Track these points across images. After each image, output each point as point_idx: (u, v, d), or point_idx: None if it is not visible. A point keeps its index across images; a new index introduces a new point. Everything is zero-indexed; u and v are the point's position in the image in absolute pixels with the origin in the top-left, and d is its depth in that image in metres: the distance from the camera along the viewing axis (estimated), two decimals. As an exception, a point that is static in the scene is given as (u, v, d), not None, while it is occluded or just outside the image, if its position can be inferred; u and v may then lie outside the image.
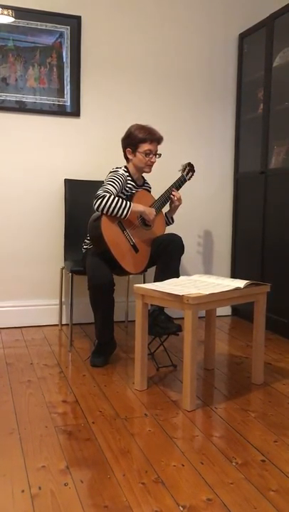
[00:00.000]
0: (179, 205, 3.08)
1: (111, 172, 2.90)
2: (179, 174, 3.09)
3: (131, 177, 2.94)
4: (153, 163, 2.93)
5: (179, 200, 3.04)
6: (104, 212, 2.67)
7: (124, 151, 2.95)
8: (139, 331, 2.40)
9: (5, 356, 2.88)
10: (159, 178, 3.31)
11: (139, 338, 2.40)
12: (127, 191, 2.90)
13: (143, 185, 3.06)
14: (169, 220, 3.15)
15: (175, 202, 3.04)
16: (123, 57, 3.59)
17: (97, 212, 2.72)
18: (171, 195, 3.01)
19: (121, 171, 2.88)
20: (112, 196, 2.68)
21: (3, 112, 3.35)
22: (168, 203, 3.05)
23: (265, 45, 3.49)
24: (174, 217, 3.20)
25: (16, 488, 1.59)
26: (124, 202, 2.71)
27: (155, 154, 2.93)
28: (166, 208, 3.09)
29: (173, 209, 3.10)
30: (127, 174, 2.92)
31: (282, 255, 3.33)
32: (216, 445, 1.90)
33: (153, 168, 3.00)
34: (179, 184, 3.05)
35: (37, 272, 3.53)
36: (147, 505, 1.52)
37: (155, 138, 2.90)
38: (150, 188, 3.12)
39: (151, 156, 2.90)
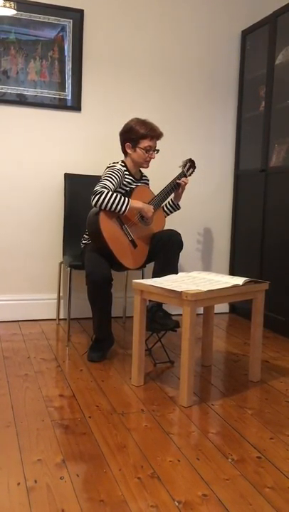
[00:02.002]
0: (183, 191, 3.07)
1: (108, 167, 2.88)
2: (180, 170, 3.09)
3: (129, 171, 2.93)
4: (152, 159, 2.93)
5: (184, 184, 3.04)
6: (102, 208, 2.66)
7: (123, 145, 2.94)
8: (136, 326, 2.39)
9: (2, 350, 2.88)
10: (159, 175, 3.31)
11: (136, 334, 2.40)
12: (125, 185, 2.89)
13: (141, 179, 3.05)
14: (176, 206, 3.13)
15: (183, 186, 3.03)
16: (125, 52, 3.58)
17: (95, 208, 2.71)
18: (181, 182, 3.00)
19: (118, 166, 2.87)
20: (110, 192, 2.67)
21: (4, 104, 3.34)
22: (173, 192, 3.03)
23: (267, 42, 3.48)
24: (174, 213, 3.19)
25: (12, 482, 1.59)
26: (123, 198, 2.70)
27: (154, 150, 2.92)
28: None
29: (179, 195, 3.08)
30: (125, 169, 2.90)
31: (281, 253, 3.33)
32: (212, 441, 1.90)
33: (153, 165, 2.99)
34: (180, 179, 3.03)
35: (35, 267, 3.53)
36: (143, 500, 1.52)
37: (156, 134, 2.89)
38: (148, 181, 3.11)
39: (151, 152, 2.90)
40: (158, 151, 2.96)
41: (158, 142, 2.95)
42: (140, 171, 3.05)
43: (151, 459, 1.76)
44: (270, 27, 3.45)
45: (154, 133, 2.88)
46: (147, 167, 2.96)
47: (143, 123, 2.88)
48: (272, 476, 1.68)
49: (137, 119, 2.92)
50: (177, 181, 3.01)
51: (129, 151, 2.92)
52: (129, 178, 2.92)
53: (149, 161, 2.93)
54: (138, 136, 2.86)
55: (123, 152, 2.96)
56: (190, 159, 3.09)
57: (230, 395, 2.36)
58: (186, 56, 3.73)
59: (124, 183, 2.89)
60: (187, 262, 3.89)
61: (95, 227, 2.66)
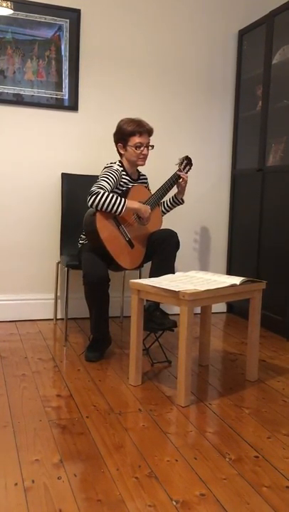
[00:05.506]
0: (185, 186, 3.05)
1: (105, 167, 2.88)
2: (176, 168, 3.08)
3: (126, 172, 2.92)
4: (145, 155, 2.90)
5: (185, 181, 3.02)
6: (99, 208, 2.66)
7: (116, 146, 2.93)
8: (134, 326, 2.40)
9: (-1, 350, 2.88)
10: (156, 174, 3.31)
11: (134, 334, 2.40)
12: (122, 186, 2.89)
13: (138, 179, 3.04)
14: (179, 201, 3.11)
15: (182, 183, 3.01)
16: (122, 52, 3.57)
17: (92, 208, 2.71)
18: (180, 178, 2.98)
19: (116, 166, 2.86)
20: (107, 193, 2.66)
21: (1, 104, 3.33)
22: (175, 186, 3.02)
23: (264, 42, 3.49)
24: (171, 213, 3.18)
25: (10, 481, 1.59)
26: (119, 199, 2.69)
27: (147, 146, 2.90)
28: (173, 191, 3.07)
29: (181, 190, 3.07)
30: (122, 169, 2.90)
31: (278, 253, 3.34)
32: (209, 441, 1.91)
33: (150, 164, 2.99)
34: (176, 178, 3.03)
35: (33, 266, 3.53)
36: (140, 500, 1.52)
37: (144, 130, 2.86)
38: (146, 179, 3.10)
39: (142, 148, 2.87)
40: (152, 147, 2.93)
41: (154, 140, 2.93)
42: (138, 170, 3.05)
43: (148, 458, 1.76)
44: (267, 27, 3.45)
45: (141, 128, 2.84)
46: (143, 164, 2.93)
47: (131, 121, 2.86)
48: (270, 475, 1.68)
49: (126, 118, 2.90)
50: (178, 172, 2.99)
51: (121, 151, 2.91)
52: (126, 179, 2.91)
53: (143, 158, 2.90)
54: (126, 134, 2.84)
55: (118, 153, 2.95)
56: (186, 156, 3.09)
57: (227, 394, 2.36)
58: (183, 56, 3.73)
59: (121, 183, 2.88)
60: (184, 262, 3.89)
61: (92, 228, 2.66)
